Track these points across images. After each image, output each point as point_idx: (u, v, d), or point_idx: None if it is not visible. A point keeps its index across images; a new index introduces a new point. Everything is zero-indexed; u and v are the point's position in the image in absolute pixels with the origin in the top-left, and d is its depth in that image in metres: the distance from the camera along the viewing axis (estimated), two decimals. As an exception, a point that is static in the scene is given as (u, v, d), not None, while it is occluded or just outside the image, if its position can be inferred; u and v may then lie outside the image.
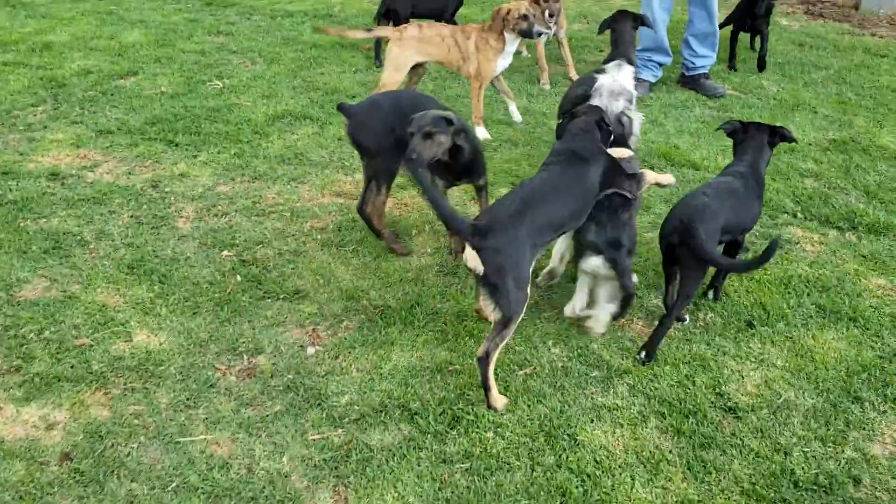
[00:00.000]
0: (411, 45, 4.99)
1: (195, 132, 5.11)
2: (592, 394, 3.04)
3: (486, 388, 2.90)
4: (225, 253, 3.84)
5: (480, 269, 2.80)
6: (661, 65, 6.20)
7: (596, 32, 5.31)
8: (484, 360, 2.86)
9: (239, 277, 3.65)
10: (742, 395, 3.05)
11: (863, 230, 4.22)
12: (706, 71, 6.18)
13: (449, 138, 3.36)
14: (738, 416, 2.94)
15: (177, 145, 4.93)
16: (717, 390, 3.06)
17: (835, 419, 2.93)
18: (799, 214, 4.38)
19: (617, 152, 3.41)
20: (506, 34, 4.94)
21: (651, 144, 5.18)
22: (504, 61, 5.07)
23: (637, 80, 6.13)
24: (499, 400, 2.94)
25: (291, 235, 4.02)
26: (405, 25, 5.19)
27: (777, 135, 3.55)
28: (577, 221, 3.17)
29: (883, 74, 6.77)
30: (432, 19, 6.03)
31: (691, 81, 6.19)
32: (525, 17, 4.88)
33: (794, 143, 3.70)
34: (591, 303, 3.39)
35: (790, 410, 2.97)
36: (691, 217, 3.10)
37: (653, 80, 6.17)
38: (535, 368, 3.15)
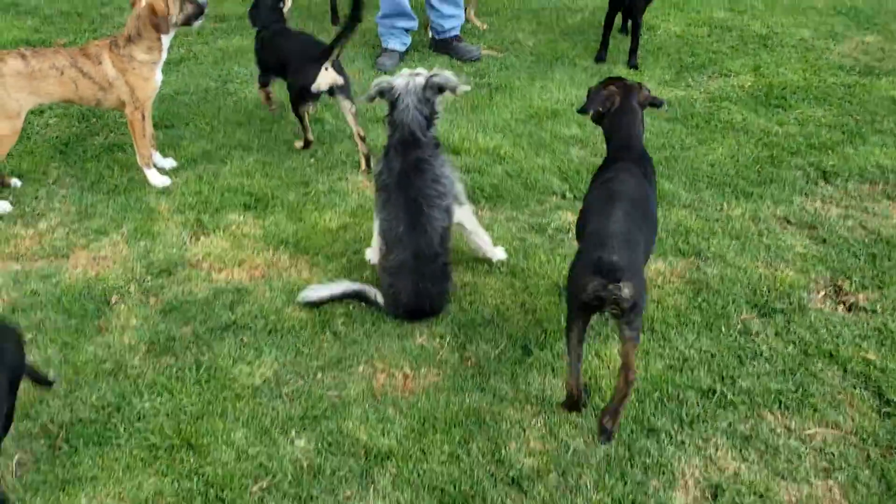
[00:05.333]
0: (18, 85, 3.58)
1: None
2: (347, 499, 2.41)
3: None
4: None
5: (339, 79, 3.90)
6: (407, 30, 5.52)
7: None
8: None
9: None
10: (525, 455, 2.53)
11: (635, 204, 3.86)
12: (457, 33, 5.60)
13: None
14: (522, 489, 2.43)
15: None
16: (497, 456, 2.53)
17: (631, 467, 2.49)
18: (568, 194, 3.93)
19: None
20: (163, 37, 3.75)
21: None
22: (159, 74, 3.88)
23: (384, 50, 5.49)
24: None
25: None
26: (4, 54, 3.64)
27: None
28: None
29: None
30: None
31: (444, 46, 5.60)
32: None
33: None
34: None
35: (581, 468, 2.49)
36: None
37: (402, 48, 5.50)
38: (273, 478, 2.46)
